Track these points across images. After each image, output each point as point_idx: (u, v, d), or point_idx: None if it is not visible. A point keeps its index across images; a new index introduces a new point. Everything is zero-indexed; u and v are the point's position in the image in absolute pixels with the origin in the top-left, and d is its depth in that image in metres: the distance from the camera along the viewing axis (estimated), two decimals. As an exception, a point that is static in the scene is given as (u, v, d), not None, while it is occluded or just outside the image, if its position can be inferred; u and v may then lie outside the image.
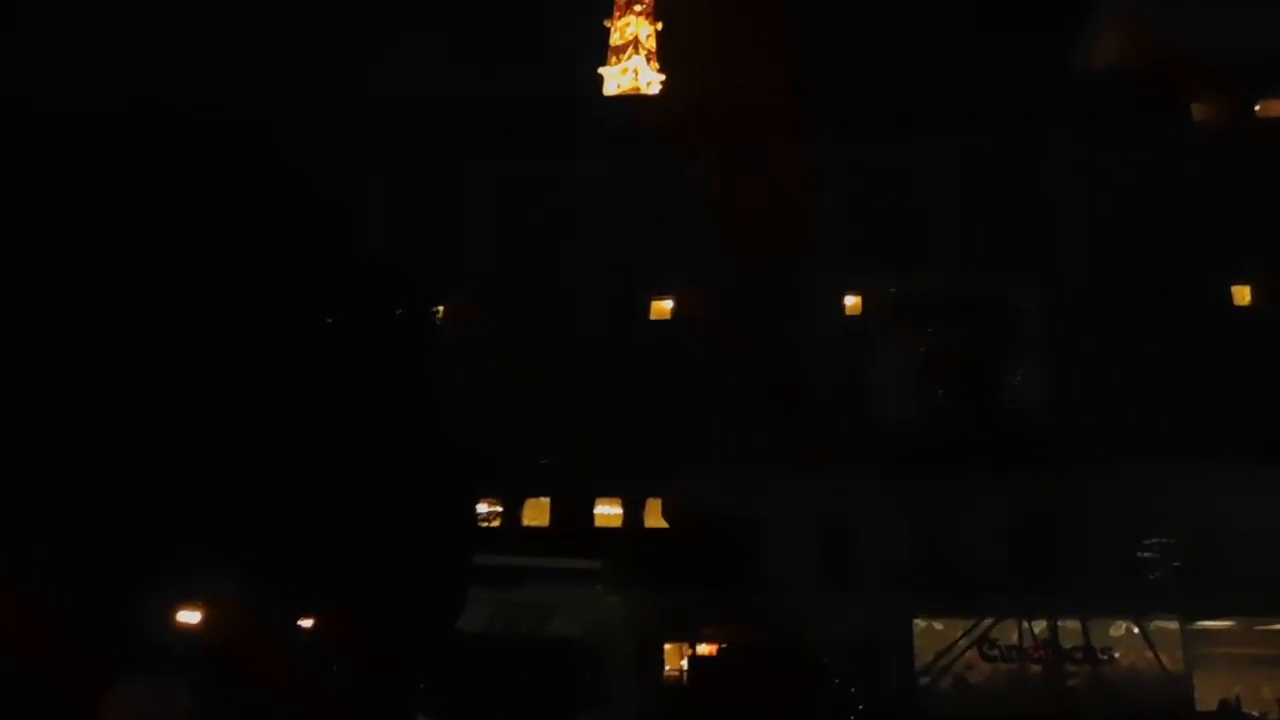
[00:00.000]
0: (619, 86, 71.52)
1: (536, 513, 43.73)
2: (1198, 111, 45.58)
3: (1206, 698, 35.62)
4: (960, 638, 35.77)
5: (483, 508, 42.42)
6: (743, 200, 45.17)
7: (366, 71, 50.06)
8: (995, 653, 36.07)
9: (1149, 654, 35.37)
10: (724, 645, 37.66)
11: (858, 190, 44.80)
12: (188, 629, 21.60)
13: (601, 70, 72.28)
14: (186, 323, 23.14)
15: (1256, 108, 45.31)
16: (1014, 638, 35.89)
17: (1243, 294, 42.96)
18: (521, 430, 43.09)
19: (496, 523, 42.72)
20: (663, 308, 46.28)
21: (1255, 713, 34.86)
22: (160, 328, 22.77)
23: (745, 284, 44.31)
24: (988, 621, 35.70)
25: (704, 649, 38.67)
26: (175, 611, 21.55)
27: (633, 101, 66.27)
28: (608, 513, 43.91)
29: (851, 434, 38.87)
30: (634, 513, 43.20)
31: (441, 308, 43.46)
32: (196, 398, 22.15)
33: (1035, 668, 35.66)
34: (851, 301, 44.70)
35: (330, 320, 30.00)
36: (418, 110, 48.27)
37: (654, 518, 42.89)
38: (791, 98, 46.47)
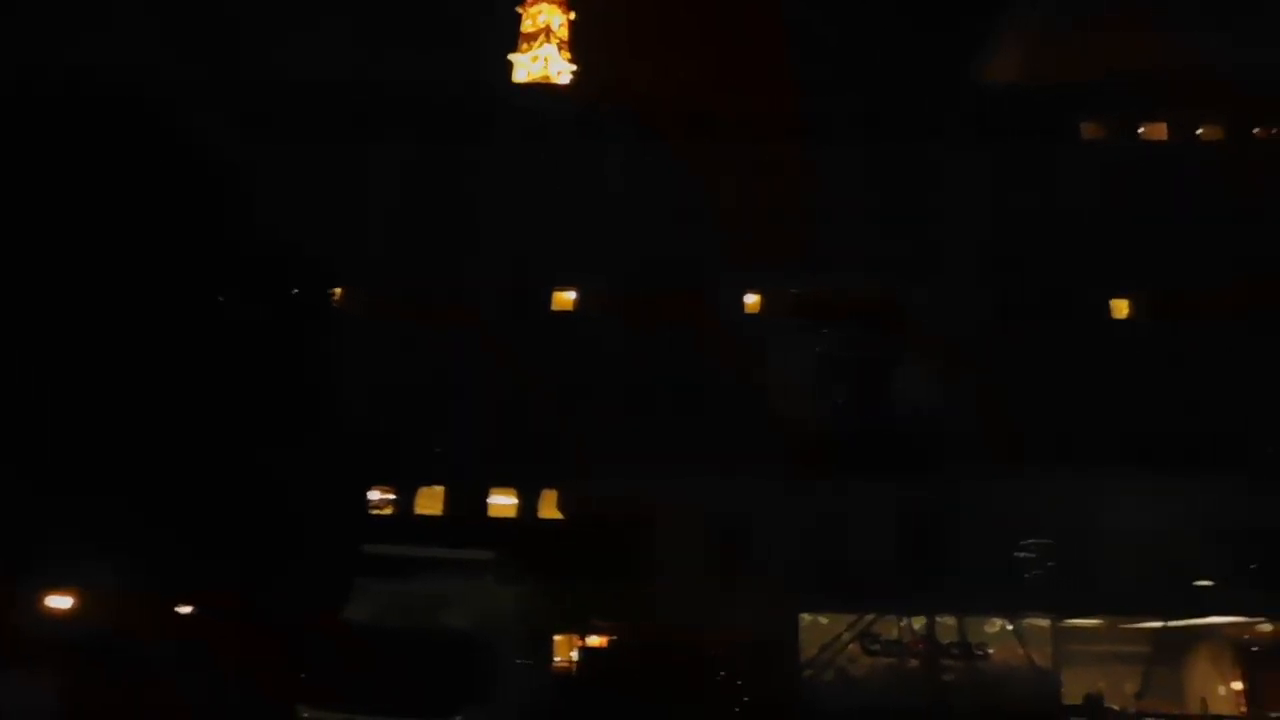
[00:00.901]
0: (529, 74, 70.86)
1: (430, 502, 43.28)
2: (1087, 130, 47.47)
3: (1073, 692, 37.31)
4: (844, 632, 36.70)
5: (375, 495, 41.85)
6: (649, 195, 45.42)
7: (270, 49, 48.72)
8: (877, 648, 37.09)
9: (1021, 650, 36.80)
10: (614, 638, 37.93)
11: (764, 189, 45.38)
12: (57, 617, 20.82)
13: (511, 57, 71.53)
14: (65, 299, 22.28)
15: (1140, 130, 47.41)
16: (895, 633, 36.98)
17: (1120, 308, 44.94)
18: (418, 417, 42.58)
19: (388, 511, 42.17)
20: (565, 299, 46.21)
21: (1116, 707, 36.61)
22: (35, 304, 21.88)
23: (649, 279, 44.51)
24: (870, 617, 36.70)
25: (595, 641, 38.90)
26: (43, 599, 20.75)
27: (543, 90, 65.72)
28: (503, 503, 43.72)
29: (748, 432, 39.53)
30: (529, 503, 43.11)
31: (339, 290, 42.89)
32: (70, 376, 21.34)
33: (914, 662, 36.80)
34: (752, 300, 45.33)
35: (221, 299, 29.26)
36: (321, 90, 47.19)
37: (549, 509, 42.89)
38: (701, 96, 46.92)
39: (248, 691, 23.08)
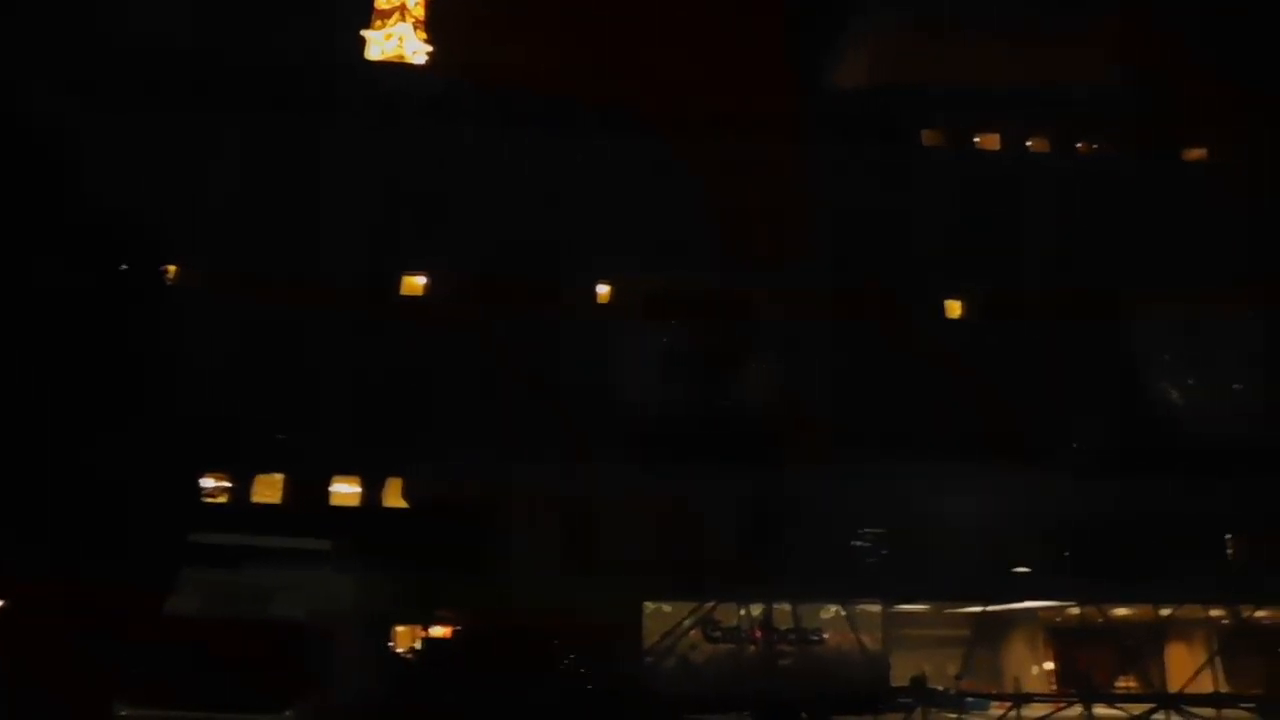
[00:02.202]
0: (383, 52, 69.02)
1: (268, 490, 41.84)
2: (926, 136, 49.58)
3: (901, 674, 39.15)
4: (686, 619, 37.43)
5: (209, 482, 40.27)
6: (502, 180, 45.03)
7: (103, 8, 45.84)
8: (718, 634, 38.04)
9: (853, 635, 38.37)
10: (459, 627, 37.66)
11: (617, 180, 45.67)
12: None
13: (364, 33, 69.46)
14: None
15: (976, 139, 49.81)
16: (735, 620, 37.97)
17: (954, 307, 47.16)
18: (257, 402, 41.07)
19: (222, 499, 40.60)
20: (415, 284, 45.34)
21: (939, 687, 38.56)
22: None
23: (501, 265, 44.13)
24: (711, 605, 37.54)
25: (438, 631, 38.53)
26: None
27: (396, 69, 64.24)
28: (346, 491, 42.68)
29: (596, 421, 39.73)
30: (373, 492, 42.22)
31: (173, 267, 41.01)
32: None
33: (752, 648, 37.89)
34: (604, 291, 45.50)
35: (40, 272, 27.68)
36: (160, 55, 44.80)
37: (394, 497, 42.11)
38: (559, 83, 46.74)
39: (61, 688, 21.90)
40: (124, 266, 32.67)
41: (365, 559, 31.59)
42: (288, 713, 22.23)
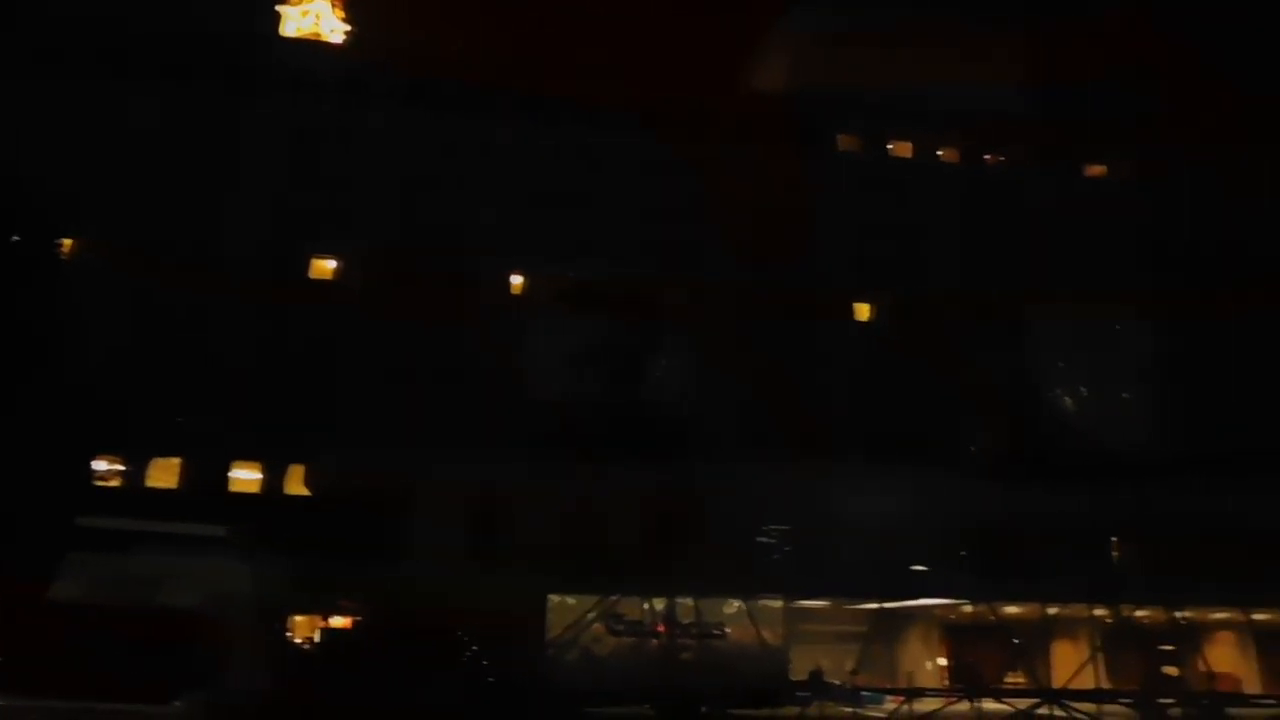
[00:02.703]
0: (299, 29, 67.27)
1: (164, 474, 40.62)
2: (843, 142, 50.36)
3: (800, 668, 39.83)
4: (589, 612, 37.50)
5: (101, 465, 38.96)
6: (418, 165, 44.45)
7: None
8: (620, 628, 38.21)
9: (754, 630, 38.90)
10: (360, 618, 37.15)
11: (534, 171, 45.47)
12: None
13: (281, 8, 67.62)
14: None
15: (890, 146, 50.78)
16: (638, 614, 38.18)
17: (863, 310, 48.09)
18: (156, 383, 39.83)
19: (115, 482, 39.28)
20: (325, 267, 44.45)
21: (836, 682, 39.34)
22: None
23: (412, 253, 43.52)
24: (614, 598, 37.67)
25: (339, 622, 37.97)
26: None
27: (311, 47, 62.73)
28: (246, 477, 41.67)
29: (504, 414, 39.53)
30: (275, 479, 41.32)
31: (69, 241, 39.55)
32: None
33: (654, 642, 38.15)
34: (517, 282, 45.23)
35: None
36: (62, 21, 43.08)
37: (296, 485, 41.28)
38: (479, 70, 46.29)
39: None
40: (14, 238, 31.36)
41: (264, 547, 30.93)
42: (176, 703, 21.66)
